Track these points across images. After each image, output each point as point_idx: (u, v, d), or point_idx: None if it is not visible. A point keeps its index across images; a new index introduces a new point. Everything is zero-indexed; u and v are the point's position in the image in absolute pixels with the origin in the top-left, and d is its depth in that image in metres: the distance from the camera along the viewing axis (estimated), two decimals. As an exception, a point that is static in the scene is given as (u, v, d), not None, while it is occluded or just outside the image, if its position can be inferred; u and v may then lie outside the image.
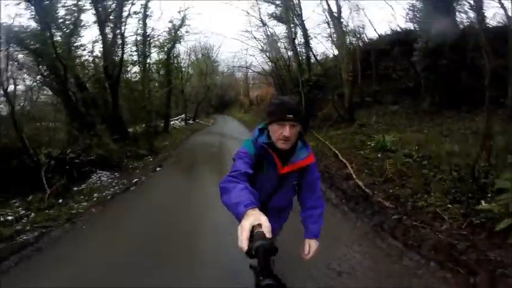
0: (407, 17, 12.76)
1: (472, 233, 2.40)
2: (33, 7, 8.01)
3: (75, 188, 5.57)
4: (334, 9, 8.85)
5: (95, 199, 5.00)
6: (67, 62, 7.52)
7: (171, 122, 17.63)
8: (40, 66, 8.49)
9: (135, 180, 6.25)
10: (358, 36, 12.99)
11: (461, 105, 8.32)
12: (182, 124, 20.72)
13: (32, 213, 4.24)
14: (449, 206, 2.80)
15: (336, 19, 8.34)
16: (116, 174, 6.93)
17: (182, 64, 19.10)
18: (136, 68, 11.70)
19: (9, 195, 5.05)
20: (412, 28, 11.90)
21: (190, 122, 22.43)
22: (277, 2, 14.88)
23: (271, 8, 14.95)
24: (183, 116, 22.30)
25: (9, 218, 4.09)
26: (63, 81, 7.76)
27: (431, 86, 9.34)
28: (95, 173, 6.80)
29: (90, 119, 8.69)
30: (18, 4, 7.95)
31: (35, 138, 6.77)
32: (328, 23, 9.45)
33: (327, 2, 8.64)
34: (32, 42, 7.88)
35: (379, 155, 4.81)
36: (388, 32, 14.28)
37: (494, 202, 2.51)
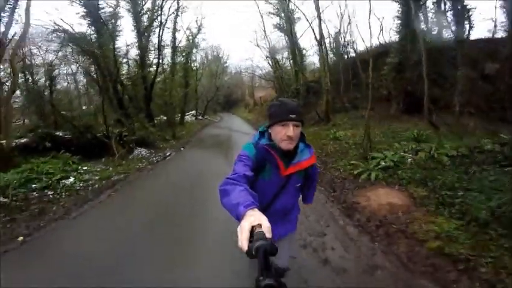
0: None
1: (349, 177, 4.84)
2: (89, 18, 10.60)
3: (130, 156, 8.20)
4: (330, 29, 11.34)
5: (145, 162, 7.60)
6: (120, 65, 10.15)
7: (185, 117, 20.30)
8: (92, 67, 11.18)
9: (167, 154, 8.85)
10: (344, 51, 15.34)
11: (417, 111, 10.72)
12: (193, 119, 23.44)
13: (111, 168, 6.84)
14: (347, 166, 5.26)
15: (318, 43, 10.83)
16: (151, 150, 9.52)
17: (196, 66, 21.75)
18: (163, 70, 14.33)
19: (88, 157, 7.71)
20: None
21: (200, 117, 25.14)
22: (282, 15, 17.51)
23: (277, 19, 17.53)
24: (193, 112, 25.01)
25: (98, 169, 6.69)
26: (114, 80, 10.39)
27: (396, 95, 11.77)
28: (136, 149, 9.43)
29: (130, 110, 11.34)
30: (78, 14, 10.56)
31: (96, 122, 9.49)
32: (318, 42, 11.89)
33: (312, 30, 11.12)
34: (89, 47, 10.47)
35: (331, 142, 7.33)
36: (374, 45, 16.73)
37: (367, 164, 4.98)
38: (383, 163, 4.60)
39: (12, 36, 6.51)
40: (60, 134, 8.04)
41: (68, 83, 13.84)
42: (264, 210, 1.22)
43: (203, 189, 4.75)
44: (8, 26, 6.21)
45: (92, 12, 10.51)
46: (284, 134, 1.20)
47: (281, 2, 16.78)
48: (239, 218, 0.77)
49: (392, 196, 3.49)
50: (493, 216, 2.71)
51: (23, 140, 7.38)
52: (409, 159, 4.98)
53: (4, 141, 6.10)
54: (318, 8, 11.10)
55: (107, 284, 2.21)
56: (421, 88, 11.22)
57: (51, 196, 4.50)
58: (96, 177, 5.55)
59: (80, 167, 6.17)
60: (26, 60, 10.89)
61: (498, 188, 3.43)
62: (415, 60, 11.11)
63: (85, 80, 13.72)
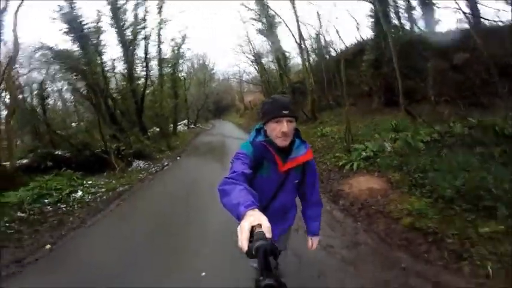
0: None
1: (334, 169, 5.34)
2: (73, 34, 10.82)
3: (129, 169, 8.51)
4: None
5: (145, 173, 7.94)
6: (109, 80, 10.46)
7: (177, 127, 20.58)
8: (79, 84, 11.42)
9: (165, 164, 9.20)
10: (325, 51, 16.03)
11: (396, 104, 11.40)
12: (185, 128, 23.71)
13: (113, 180, 7.15)
14: (333, 159, 5.77)
15: (299, 46, 11.45)
16: (148, 162, 9.83)
17: (183, 75, 22.10)
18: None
19: (89, 172, 7.98)
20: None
21: (192, 126, 25.43)
22: (264, 20, 18.12)
23: (259, 25, 18.13)
24: (185, 121, 25.29)
25: (102, 182, 7.00)
26: (105, 96, 10.68)
27: (377, 90, 12.46)
28: (134, 161, 9.73)
29: (123, 124, 11.62)
30: (61, 30, 10.75)
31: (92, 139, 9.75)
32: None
33: (292, 34, 11.76)
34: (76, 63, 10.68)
35: (318, 139, 7.86)
36: (353, 43, 17.52)
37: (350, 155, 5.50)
38: (364, 153, 5.13)
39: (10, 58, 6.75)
40: (60, 153, 8.29)
41: (55, 100, 13.98)
42: (264, 208, 1.26)
43: (197, 193, 5.21)
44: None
45: (75, 28, 10.77)
46: (279, 130, 1.22)
47: (262, 8, 17.43)
48: (239, 218, 0.77)
49: (372, 182, 3.99)
50: (458, 194, 3.19)
51: (24, 161, 7.61)
52: (388, 148, 5.52)
53: (8, 163, 6.34)
54: (296, 13, 11.72)
55: (121, 282, 2.56)
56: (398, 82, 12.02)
57: (64, 209, 4.83)
58: (103, 190, 5.88)
59: (84, 182, 6.48)
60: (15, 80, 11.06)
61: (465, 167, 3.96)
62: (388, 56, 11.87)
63: (72, 97, 13.85)
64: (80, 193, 5.55)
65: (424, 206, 3.03)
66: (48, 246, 3.53)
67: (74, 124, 11.97)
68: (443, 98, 10.72)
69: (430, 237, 2.61)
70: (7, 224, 4.17)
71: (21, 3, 7.36)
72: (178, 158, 10.35)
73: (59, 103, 13.09)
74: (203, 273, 2.51)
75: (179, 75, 19.16)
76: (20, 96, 9.58)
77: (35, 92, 11.04)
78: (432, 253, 2.45)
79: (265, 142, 1.27)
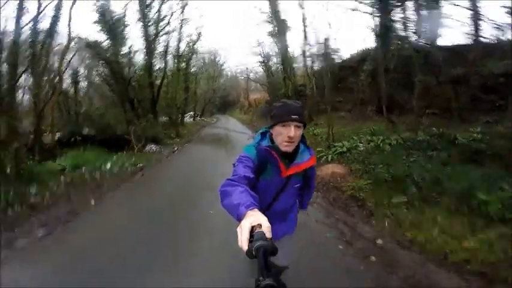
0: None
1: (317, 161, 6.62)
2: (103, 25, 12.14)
3: (144, 150, 9.85)
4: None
5: (160, 154, 9.27)
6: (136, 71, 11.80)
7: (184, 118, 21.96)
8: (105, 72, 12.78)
9: (175, 148, 10.53)
10: (330, 57, 17.13)
11: (388, 112, 12.56)
12: (191, 120, 25.11)
13: (134, 158, 8.47)
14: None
15: (302, 55, 12.67)
16: (160, 146, 11.17)
17: (195, 70, 23.41)
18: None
19: (111, 150, 9.31)
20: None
21: (198, 118, 26.82)
22: (275, 23, 19.29)
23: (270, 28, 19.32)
24: (191, 113, 26.66)
25: (125, 158, 8.29)
26: (127, 85, 12.02)
27: (371, 98, 13.62)
28: (148, 144, 11.07)
29: (139, 111, 12.97)
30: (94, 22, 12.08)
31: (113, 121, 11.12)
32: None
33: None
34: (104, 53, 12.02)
35: (308, 138, 9.11)
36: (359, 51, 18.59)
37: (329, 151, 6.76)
38: (340, 150, 6.40)
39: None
40: (86, 131, 9.66)
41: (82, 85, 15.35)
42: (264, 211, 1.26)
43: (207, 170, 6.52)
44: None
45: (106, 20, 12.09)
46: (285, 135, 1.21)
47: (273, 12, 18.56)
48: (240, 218, 0.78)
49: (338, 169, 5.26)
50: (391, 178, 4.46)
51: (56, 136, 8.98)
52: (361, 147, 6.77)
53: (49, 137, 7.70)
54: (304, 22, 12.87)
55: (153, 220, 3.86)
56: (392, 92, 13.16)
57: (99, 176, 6.14)
58: (127, 164, 7.20)
59: (109, 157, 7.82)
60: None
61: (405, 163, 5.19)
62: (385, 68, 13.01)
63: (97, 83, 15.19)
64: (109, 165, 6.86)
65: (364, 184, 4.31)
66: (92, 201, 4.79)
67: (96, 107, 13.30)
68: (429, 110, 11.87)
69: (359, 202, 3.92)
70: (57, 185, 5.46)
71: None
72: (186, 144, 11.69)
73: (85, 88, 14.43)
74: (211, 211, 3.79)
75: (192, 69, 20.45)
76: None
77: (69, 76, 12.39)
78: (357, 211, 3.76)
79: (270, 148, 1.28)
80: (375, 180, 4.39)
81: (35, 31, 7.80)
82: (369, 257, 2.73)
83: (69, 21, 8.35)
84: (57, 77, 7.79)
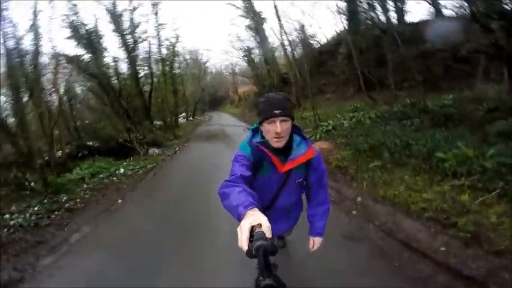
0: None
1: None
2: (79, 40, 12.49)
3: (148, 154, 10.52)
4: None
5: (163, 156, 9.95)
6: (125, 81, 12.32)
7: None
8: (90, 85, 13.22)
9: (176, 149, 11.22)
10: (308, 44, 17.86)
11: (368, 89, 13.44)
12: (184, 121, 25.63)
13: (141, 162, 9.14)
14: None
15: (281, 45, 13.39)
16: (161, 148, 11.83)
17: (180, 72, 23.80)
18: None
19: (117, 157, 9.96)
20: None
21: (191, 118, 27.33)
22: (251, 17, 19.82)
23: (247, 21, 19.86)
24: (183, 114, 27.14)
25: (133, 163, 8.96)
26: (118, 96, 12.54)
27: (351, 79, 14.46)
28: (150, 148, 11.72)
29: (135, 119, 13.53)
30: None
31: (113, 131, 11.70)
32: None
33: (274, 33, 13.61)
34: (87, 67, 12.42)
35: (298, 121, 9.92)
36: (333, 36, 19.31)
37: (316, 130, 7.60)
38: (326, 128, 7.23)
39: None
40: (90, 144, 10.26)
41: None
42: (267, 208, 1.35)
43: (209, 163, 7.28)
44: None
45: (81, 34, 12.43)
46: (272, 131, 1.18)
47: (248, 6, 19.05)
48: (239, 219, 0.78)
49: (325, 145, 6.08)
50: (369, 147, 5.28)
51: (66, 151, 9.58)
52: (345, 124, 7.63)
53: (59, 153, 8.31)
54: (277, 14, 13.51)
55: (173, 206, 4.65)
56: (370, 71, 14.02)
57: (116, 180, 6.84)
58: (137, 167, 7.89)
59: (119, 163, 8.49)
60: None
61: (387, 133, 6.04)
62: (360, 49, 13.83)
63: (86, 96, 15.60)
64: (122, 170, 7.54)
65: (346, 155, 5.14)
66: (119, 201, 5.51)
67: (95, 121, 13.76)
68: (406, 84, 12.77)
69: (343, 170, 4.74)
70: (83, 191, 6.15)
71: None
72: (185, 144, 12.38)
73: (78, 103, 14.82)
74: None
75: (176, 72, 20.86)
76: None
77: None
78: (341, 177, 4.58)
79: (260, 144, 1.25)
80: (355, 150, 5.21)
81: (20, 52, 8.22)
82: (351, 212, 3.51)
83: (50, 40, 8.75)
84: (53, 96, 8.22)
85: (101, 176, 7.09)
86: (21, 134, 6.60)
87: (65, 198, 5.63)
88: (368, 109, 8.81)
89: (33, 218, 4.66)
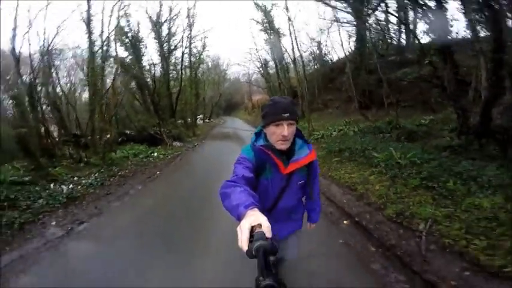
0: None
1: None
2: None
3: (173, 145, 12.74)
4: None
5: (185, 148, 12.11)
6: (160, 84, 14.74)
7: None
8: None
9: (195, 144, 13.38)
10: (318, 61, 19.82)
11: (367, 108, 15.18)
12: (201, 122, 28.07)
13: (169, 150, 11.31)
14: None
15: (293, 62, 15.38)
16: (183, 143, 14.04)
17: (203, 78, 26.37)
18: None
19: (149, 145, 12.18)
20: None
21: (207, 120, 29.78)
22: (270, 32, 22.05)
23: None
24: (201, 116, 29.63)
25: (163, 150, 11.14)
26: (151, 95, 14.94)
27: (356, 95, 16.25)
28: (173, 141, 13.93)
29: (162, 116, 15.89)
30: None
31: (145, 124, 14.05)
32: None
33: (287, 51, 15.67)
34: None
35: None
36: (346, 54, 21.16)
37: (309, 137, 9.47)
38: (316, 136, 9.13)
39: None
40: (128, 132, 12.59)
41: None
42: (270, 210, 1.39)
43: (222, 157, 9.30)
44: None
45: (131, 42, 15.00)
46: (278, 134, 1.22)
47: (268, 21, 21.25)
48: (240, 218, 0.79)
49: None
50: (339, 149, 7.13)
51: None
52: (334, 134, 9.50)
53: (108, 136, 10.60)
54: (292, 35, 15.48)
55: (197, 181, 6.70)
56: (372, 90, 15.78)
57: (152, 160, 9.00)
58: (167, 153, 10.06)
59: (152, 149, 10.69)
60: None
61: (356, 142, 7.86)
62: (364, 68, 15.68)
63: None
64: (155, 154, 9.72)
65: (321, 154, 7.02)
66: (158, 172, 7.63)
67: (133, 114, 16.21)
68: (405, 103, 14.38)
69: (320, 165, 6.63)
70: (129, 166, 8.32)
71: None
72: (203, 140, 14.59)
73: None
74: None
75: (200, 77, 23.37)
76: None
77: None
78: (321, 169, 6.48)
79: (264, 147, 1.28)
80: (328, 151, 7.11)
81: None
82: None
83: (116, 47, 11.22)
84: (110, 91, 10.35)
85: (141, 156, 9.29)
86: (92, 119, 8.86)
87: (116, 169, 7.78)
88: (357, 124, 10.63)
89: (98, 179, 6.74)
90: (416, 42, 8.59)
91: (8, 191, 5.06)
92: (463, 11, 5.84)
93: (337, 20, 16.89)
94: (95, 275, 2.70)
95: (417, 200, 3.44)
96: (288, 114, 1.21)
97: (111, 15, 10.63)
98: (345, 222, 3.62)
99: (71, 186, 6.06)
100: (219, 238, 3.24)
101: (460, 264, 2.40)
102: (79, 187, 6.09)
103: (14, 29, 9.35)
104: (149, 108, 15.52)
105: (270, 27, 20.96)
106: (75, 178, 6.80)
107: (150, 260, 2.86)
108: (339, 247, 3.01)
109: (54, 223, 4.26)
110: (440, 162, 4.70)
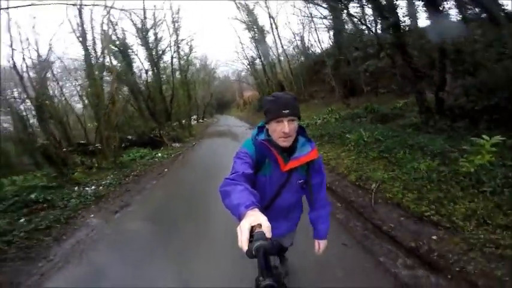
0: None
1: None
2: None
3: (173, 146, 13.70)
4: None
5: (185, 148, 13.09)
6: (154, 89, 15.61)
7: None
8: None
9: (193, 143, 14.36)
10: (304, 55, 20.85)
11: (350, 96, 16.34)
12: (195, 122, 28.95)
13: (170, 151, 12.28)
14: None
15: (277, 59, 16.42)
16: (181, 143, 14.99)
17: (193, 79, 27.12)
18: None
19: (152, 148, 13.13)
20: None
21: (201, 120, 30.67)
22: (255, 30, 22.95)
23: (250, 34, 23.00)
24: (195, 116, 30.49)
25: (165, 152, 12.12)
26: (146, 100, 15.80)
27: (338, 86, 17.38)
28: (172, 143, 14.89)
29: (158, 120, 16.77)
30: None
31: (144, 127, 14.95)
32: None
33: (271, 49, 16.68)
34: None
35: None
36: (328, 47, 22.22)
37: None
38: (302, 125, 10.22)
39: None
40: (129, 137, 13.50)
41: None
42: (266, 207, 1.37)
43: (220, 151, 10.36)
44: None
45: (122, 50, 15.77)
46: (280, 130, 1.20)
47: (252, 20, 22.09)
48: (240, 218, 0.79)
49: (299, 136, 9.10)
50: (320, 134, 8.25)
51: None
52: (318, 122, 10.61)
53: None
54: (274, 31, 16.54)
55: (199, 177, 7.77)
56: (353, 79, 16.93)
57: (157, 160, 9.99)
58: (169, 154, 11.04)
59: (155, 151, 11.66)
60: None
61: (336, 127, 8.98)
62: (344, 60, 16.79)
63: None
64: (159, 155, 10.70)
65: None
66: (165, 170, 8.63)
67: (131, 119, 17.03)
68: (383, 90, 15.56)
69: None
70: (139, 167, 9.30)
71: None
72: (200, 139, 15.56)
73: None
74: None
75: (189, 78, 24.16)
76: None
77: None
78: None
79: (266, 141, 1.27)
80: (311, 136, 8.14)
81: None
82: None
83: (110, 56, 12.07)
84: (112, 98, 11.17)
85: (147, 158, 10.27)
86: (99, 128, 9.77)
87: (128, 170, 8.76)
88: (340, 111, 11.77)
89: (115, 180, 7.72)
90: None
91: (44, 194, 6.04)
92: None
93: (311, 16, 17.86)
94: (139, 244, 3.77)
95: (372, 168, 4.57)
96: (288, 111, 1.19)
97: (102, 25, 11.47)
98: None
99: (93, 187, 7.06)
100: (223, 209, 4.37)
101: (397, 211, 3.36)
102: (100, 188, 7.05)
103: (11, 45, 9.94)
104: (144, 114, 16.41)
105: (253, 26, 21.86)
106: (94, 181, 7.77)
107: (183, 226, 3.99)
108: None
109: (92, 215, 5.27)
110: (401, 139, 5.82)
